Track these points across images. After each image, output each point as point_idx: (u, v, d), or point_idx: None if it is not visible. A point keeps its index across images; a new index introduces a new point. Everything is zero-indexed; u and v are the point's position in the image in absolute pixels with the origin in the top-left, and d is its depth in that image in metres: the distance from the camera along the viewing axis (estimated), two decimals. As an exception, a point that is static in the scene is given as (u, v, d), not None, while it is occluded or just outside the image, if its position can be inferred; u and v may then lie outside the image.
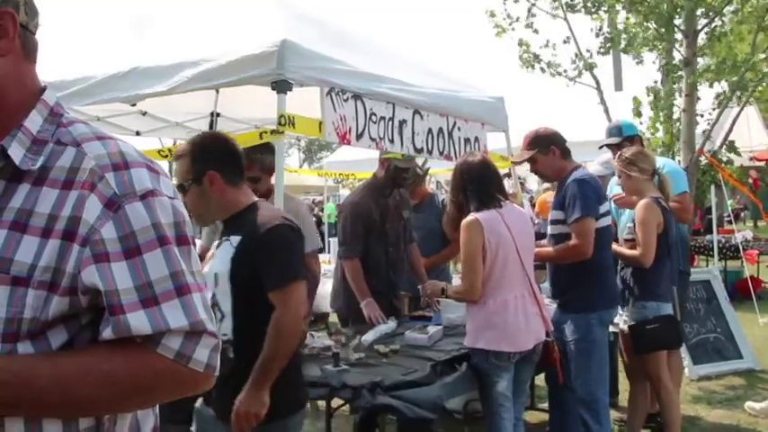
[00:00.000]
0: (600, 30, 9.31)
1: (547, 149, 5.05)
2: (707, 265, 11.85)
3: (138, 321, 1.45)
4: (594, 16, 9.31)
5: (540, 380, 6.00)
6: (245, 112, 6.98)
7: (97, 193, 1.47)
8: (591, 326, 4.88)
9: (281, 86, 4.15)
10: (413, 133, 5.11)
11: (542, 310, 4.63)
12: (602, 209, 4.96)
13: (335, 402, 4.72)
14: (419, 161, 6.39)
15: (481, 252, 4.42)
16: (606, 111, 9.15)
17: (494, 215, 4.49)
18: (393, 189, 5.71)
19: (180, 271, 1.51)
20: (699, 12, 8.62)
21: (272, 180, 4.65)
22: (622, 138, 6.06)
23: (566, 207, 4.87)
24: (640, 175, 5.29)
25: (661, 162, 6.15)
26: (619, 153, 5.52)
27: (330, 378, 4.04)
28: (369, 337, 4.84)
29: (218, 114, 6.92)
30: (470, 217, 4.47)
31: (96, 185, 1.48)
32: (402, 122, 5.02)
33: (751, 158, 12.52)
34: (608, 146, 6.13)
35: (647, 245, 5.09)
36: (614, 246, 5.21)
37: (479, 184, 4.56)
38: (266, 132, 4.47)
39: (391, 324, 5.18)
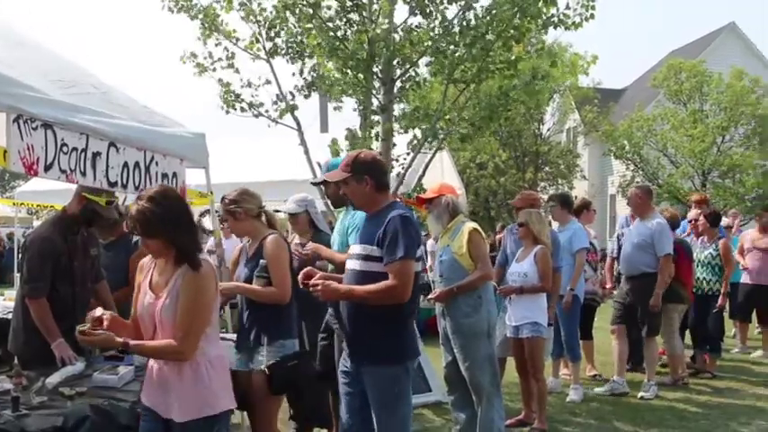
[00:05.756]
0: (301, 73, 9.50)
1: (361, 177, 4.63)
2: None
3: None
4: (297, 61, 9.47)
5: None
6: None
7: None
8: (397, 377, 4.59)
9: (-39, 111, 3.86)
10: (107, 166, 4.93)
11: None
12: (418, 252, 4.60)
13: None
14: (120, 197, 6.16)
15: (212, 305, 3.79)
16: (306, 152, 9.32)
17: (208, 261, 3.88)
18: (83, 226, 5.49)
19: None
20: (395, 61, 9.07)
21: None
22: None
23: (385, 244, 4.47)
24: (246, 215, 5.33)
25: None
26: (222, 197, 5.49)
27: (8, 425, 3.77)
28: (53, 379, 4.58)
29: None
30: (202, 264, 3.73)
31: None
32: (96, 155, 4.83)
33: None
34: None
35: (283, 282, 5.16)
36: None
37: (189, 224, 3.86)
38: (-58, 159, 4.13)
39: (79, 365, 4.94)
